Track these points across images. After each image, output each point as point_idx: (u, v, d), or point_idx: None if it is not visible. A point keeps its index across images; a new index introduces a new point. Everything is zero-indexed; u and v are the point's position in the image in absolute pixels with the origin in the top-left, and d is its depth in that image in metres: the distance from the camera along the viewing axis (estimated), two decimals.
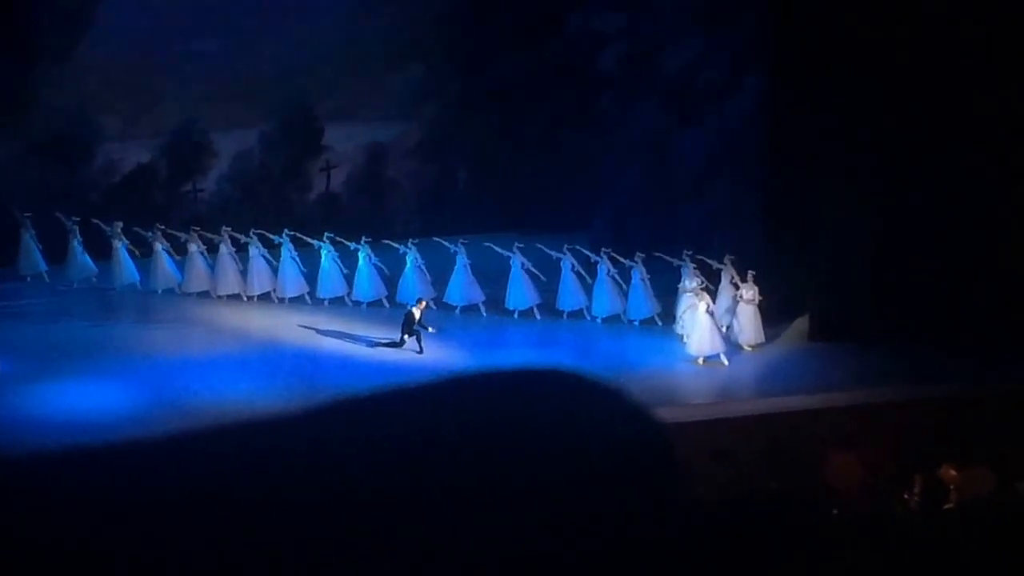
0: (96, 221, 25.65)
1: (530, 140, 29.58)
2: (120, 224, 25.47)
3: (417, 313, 22.60)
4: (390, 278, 24.95)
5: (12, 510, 1.98)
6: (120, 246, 25.38)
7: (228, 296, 25.33)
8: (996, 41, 21.91)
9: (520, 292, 24.49)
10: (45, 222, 25.76)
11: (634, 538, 2.10)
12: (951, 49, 21.89)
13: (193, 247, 25.37)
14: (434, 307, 24.11)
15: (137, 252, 25.43)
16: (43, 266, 25.84)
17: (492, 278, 24.72)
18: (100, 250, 25.70)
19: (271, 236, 25.40)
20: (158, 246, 25.38)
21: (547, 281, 24.50)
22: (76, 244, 25.58)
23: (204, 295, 25.39)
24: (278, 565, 1.95)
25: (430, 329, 22.68)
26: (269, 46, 28.26)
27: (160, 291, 25.45)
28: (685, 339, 22.68)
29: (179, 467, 2.08)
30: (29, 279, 25.89)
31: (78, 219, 25.64)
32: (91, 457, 2.09)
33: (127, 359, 21.98)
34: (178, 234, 25.58)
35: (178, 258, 25.57)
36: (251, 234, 25.32)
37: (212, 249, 25.53)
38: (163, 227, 25.61)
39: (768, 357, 22.72)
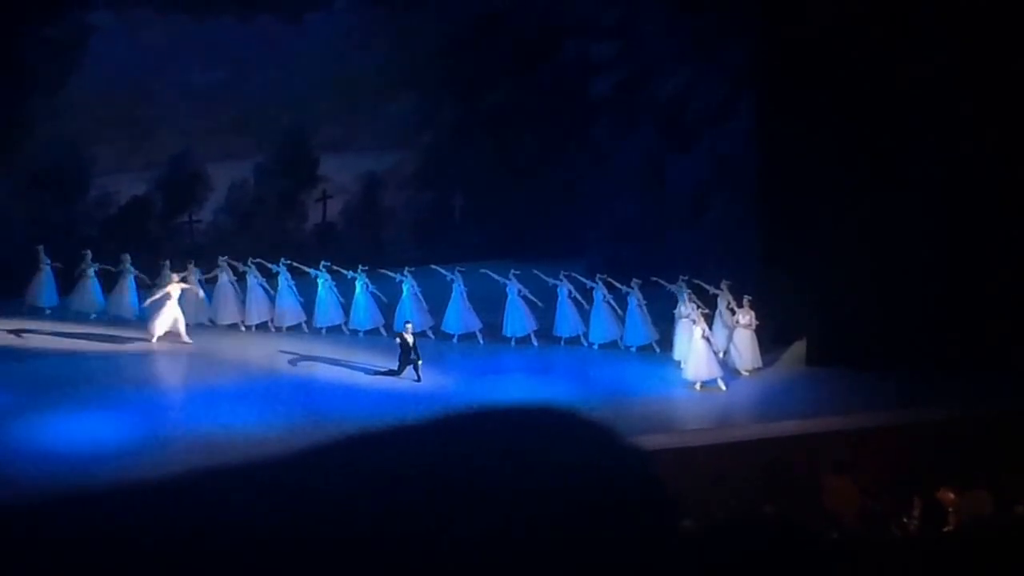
0: (85, 251, 25.64)
1: (525, 167, 29.66)
2: (128, 256, 25.50)
3: (409, 338, 22.57)
4: (387, 306, 24.97)
5: (16, 549, 1.98)
6: (129, 278, 25.42)
7: (227, 326, 25.31)
8: (991, 63, 21.99)
9: (517, 319, 24.52)
10: (52, 254, 25.83)
11: (629, 569, 2.10)
12: (948, 69, 21.97)
13: (193, 278, 25.36)
14: (432, 336, 24.18)
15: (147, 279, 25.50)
16: (56, 300, 25.82)
17: (489, 305, 24.74)
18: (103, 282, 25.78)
19: (269, 265, 25.42)
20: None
21: (544, 308, 24.53)
22: (92, 278, 25.57)
23: (202, 325, 25.37)
24: None
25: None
26: (263, 77, 28.33)
27: None
28: (682, 364, 22.70)
29: (181, 504, 2.08)
30: (29, 310, 25.79)
31: (90, 254, 25.59)
32: (94, 495, 2.09)
33: (126, 391, 21.96)
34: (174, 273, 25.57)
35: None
36: (249, 263, 25.34)
37: (211, 279, 25.55)
38: (167, 261, 25.58)
39: (765, 382, 22.72)
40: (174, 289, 24.25)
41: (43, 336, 24.67)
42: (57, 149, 27.37)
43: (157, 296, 24.39)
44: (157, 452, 18.74)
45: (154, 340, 24.13)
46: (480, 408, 2.32)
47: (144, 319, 25.20)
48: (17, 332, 24.84)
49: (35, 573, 1.95)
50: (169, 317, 24.16)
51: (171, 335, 24.18)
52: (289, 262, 25.30)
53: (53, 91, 27.13)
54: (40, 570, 1.95)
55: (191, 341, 24.21)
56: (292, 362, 23.64)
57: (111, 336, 24.75)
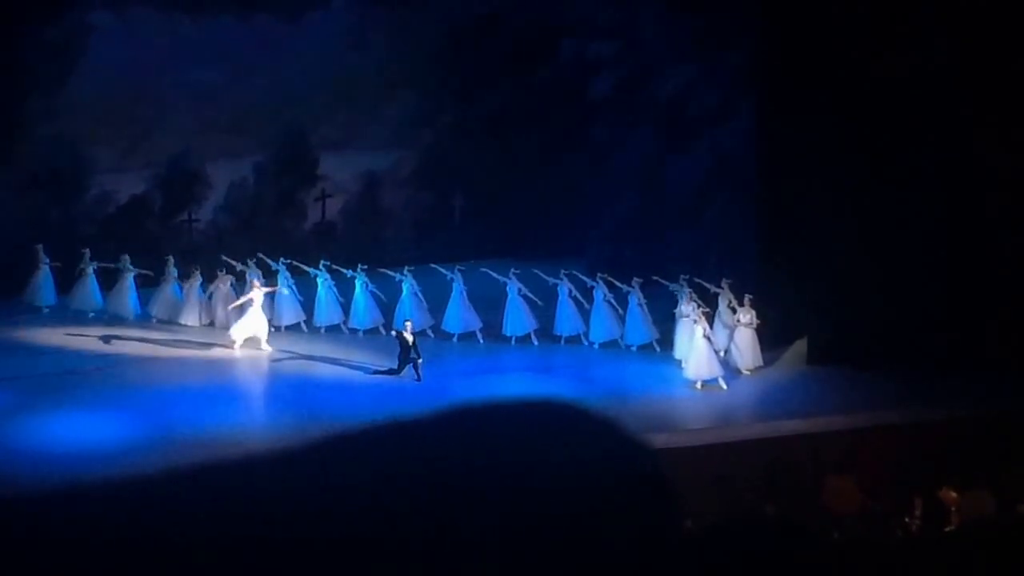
0: (84, 250, 25.65)
1: (525, 166, 29.65)
2: (127, 256, 25.47)
3: (409, 336, 22.52)
4: (387, 305, 24.95)
5: (16, 549, 1.97)
6: (128, 277, 25.39)
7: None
8: (991, 63, 21.98)
9: (517, 318, 24.50)
10: (51, 253, 25.82)
11: (631, 566, 2.10)
12: (947, 69, 21.97)
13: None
14: (432, 334, 24.18)
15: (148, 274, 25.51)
16: (55, 299, 25.79)
17: (489, 305, 24.73)
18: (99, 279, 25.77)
19: (269, 261, 25.40)
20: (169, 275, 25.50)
21: (544, 307, 24.52)
22: (91, 277, 25.53)
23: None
24: None
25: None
26: (263, 76, 28.33)
27: (156, 320, 25.42)
28: (683, 363, 22.68)
29: (182, 503, 2.08)
30: (28, 309, 25.77)
31: (88, 253, 25.55)
32: (93, 495, 2.08)
33: (126, 389, 21.93)
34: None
35: (184, 284, 25.54)
36: (249, 263, 25.32)
37: (212, 278, 25.52)
38: (170, 257, 25.58)
39: (766, 381, 22.70)
40: (257, 295, 24.04)
41: (42, 335, 24.66)
42: (56, 149, 27.36)
43: (241, 301, 24.23)
44: (157, 452, 18.71)
45: (237, 348, 23.85)
46: (480, 407, 2.31)
47: (144, 319, 25.27)
48: (16, 331, 24.83)
49: (35, 573, 1.95)
50: (251, 323, 23.90)
51: (251, 341, 23.96)
52: (288, 261, 25.29)
53: (53, 91, 27.12)
54: (40, 570, 1.94)
55: (271, 348, 23.98)
56: (292, 361, 23.62)
57: (110, 335, 24.72)
